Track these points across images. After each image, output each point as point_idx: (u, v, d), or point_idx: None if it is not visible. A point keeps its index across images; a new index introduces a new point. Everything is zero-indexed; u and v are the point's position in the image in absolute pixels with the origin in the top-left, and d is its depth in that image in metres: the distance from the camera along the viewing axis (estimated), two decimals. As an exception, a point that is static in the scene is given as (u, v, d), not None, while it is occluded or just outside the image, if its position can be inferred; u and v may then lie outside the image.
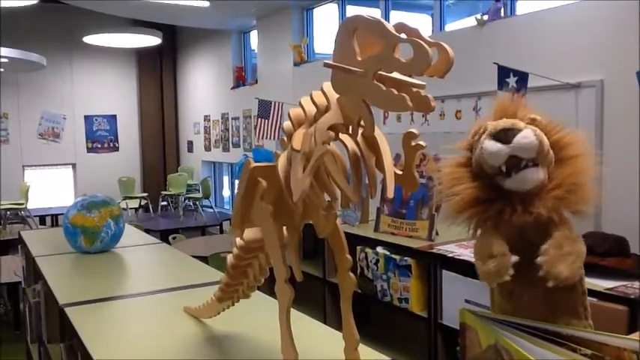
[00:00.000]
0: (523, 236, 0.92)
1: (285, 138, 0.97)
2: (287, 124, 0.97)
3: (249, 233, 1.15)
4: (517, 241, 0.92)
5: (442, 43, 0.76)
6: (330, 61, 0.83)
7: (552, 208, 0.88)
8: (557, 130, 0.94)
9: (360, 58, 0.79)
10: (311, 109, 0.94)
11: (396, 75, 0.78)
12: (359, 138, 0.90)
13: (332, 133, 0.86)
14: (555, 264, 0.84)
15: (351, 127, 0.88)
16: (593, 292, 2.21)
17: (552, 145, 0.93)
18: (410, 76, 0.78)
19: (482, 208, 0.93)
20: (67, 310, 1.62)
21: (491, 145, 0.91)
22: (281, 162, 0.95)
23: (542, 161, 0.90)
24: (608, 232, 2.72)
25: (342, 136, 0.90)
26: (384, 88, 0.77)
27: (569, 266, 0.85)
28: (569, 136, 0.94)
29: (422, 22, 6.67)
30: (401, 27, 0.77)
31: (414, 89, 0.77)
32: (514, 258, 0.87)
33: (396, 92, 0.76)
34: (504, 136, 0.90)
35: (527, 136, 0.89)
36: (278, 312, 1.02)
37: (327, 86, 0.90)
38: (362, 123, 0.87)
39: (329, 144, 0.86)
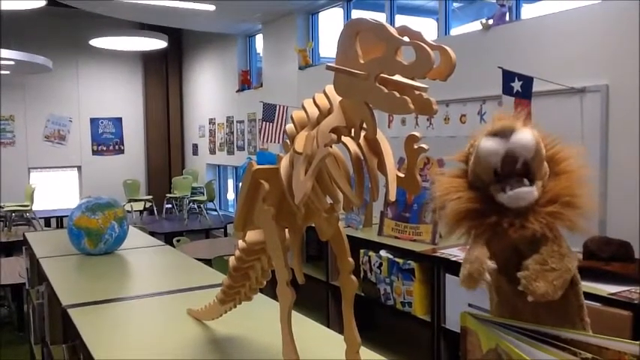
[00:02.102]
0: (517, 250, 0.91)
1: (288, 140, 0.97)
2: (290, 126, 0.97)
3: (252, 235, 1.15)
4: (511, 255, 0.91)
5: (444, 46, 0.76)
6: (333, 64, 0.83)
7: (546, 224, 0.87)
8: (552, 145, 0.94)
9: (362, 61, 0.79)
10: (313, 112, 0.94)
11: (398, 78, 0.78)
12: (361, 140, 0.90)
13: (334, 136, 0.86)
14: (534, 280, 0.84)
15: (353, 130, 0.88)
16: (596, 297, 2.20)
17: (548, 159, 0.92)
18: (412, 79, 0.78)
19: (477, 221, 0.92)
20: (70, 311, 1.62)
21: (487, 142, 0.90)
22: (283, 164, 0.95)
23: (537, 170, 0.89)
24: (612, 236, 2.70)
25: (344, 138, 0.90)
26: (386, 91, 0.77)
27: (549, 283, 0.84)
28: (564, 151, 0.93)
29: (427, 27, 6.67)
30: (403, 30, 0.77)
31: (417, 92, 0.77)
32: (490, 265, 0.87)
33: (398, 95, 0.75)
34: (502, 132, 0.90)
35: (525, 135, 0.89)
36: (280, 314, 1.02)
37: (330, 89, 0.91)
38: (364, 125, 0.87)
39: (331, 146, 0.86)
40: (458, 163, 0.98)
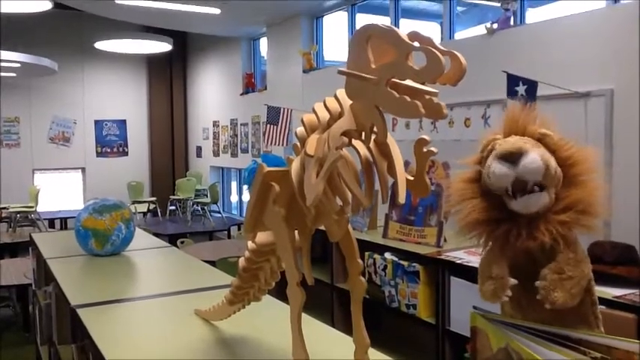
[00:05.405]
0: (530, 255, 0.92)
1: (298, 143, 0.98)
2: (300, 129, 0.98)
3: (261, 237, 1.17)
4: (524, 260, 0.92)
5: (455, 52, 0.77)
6: (344, 68, 0.84)
7: (558, 233, 0.88)
8: (567, 147, 0.94)
9: (373, 66, 0.81)
10: (324, 115, 0.95)
11: (409, 82, 0.79)
12: (371, 144, 0.91)
13: (345, 139, 0.87)
14: (553, 289, 0.85)
15: (363, 133, 0.89)
16: (601, 300, 2.19)
17: (562, 162, 0.93)
18: (423, 83, 0.79)
19: (490, 228, 0.93)
20: (79, 311, 1.63)
21: (497, 168, 0.91)
22: (294, 167, 0.96)
23: (548, 183, 0.90)
24: (617, 240, 2.71)
25: (354, 142, 0.91)
26: (397, 95, 0.78)
27: (568, 291, 0.85)
28: (578, 153, 0.94)
29: (431, 31, 6.68)
30: (414, 35, 0.78)
31: (427, 96, 0.78)
32: (512, 281, 0.88)
33: (408, 99, 0.77)
34: (511, 158, 0.91)
35: (533, 160, 0.90)
36: (288, 315, 1.03)
37: (341, 92, 0.92)
38: (374, 129, 0.88)
39: (342, 150, 0.87)
40: (471, 166, 0.99)
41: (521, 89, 4.01)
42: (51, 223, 9.63)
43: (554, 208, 0.90)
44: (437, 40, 0.78)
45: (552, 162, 0.91)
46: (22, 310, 5.70)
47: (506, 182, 0.90)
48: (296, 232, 1.04)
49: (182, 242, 6.50)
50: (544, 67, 4.51)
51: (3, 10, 7.21)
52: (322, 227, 1.02)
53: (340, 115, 0.92)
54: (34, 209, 9.20)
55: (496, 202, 0.93)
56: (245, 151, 9.93)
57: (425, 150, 0.89)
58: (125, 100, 12.17)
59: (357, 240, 1.03)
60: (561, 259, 0.88)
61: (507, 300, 0.96)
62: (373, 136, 0.90)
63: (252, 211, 1.06)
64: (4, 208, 9.10)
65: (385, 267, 3.35)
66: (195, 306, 1.57)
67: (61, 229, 9.33)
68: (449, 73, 0.77)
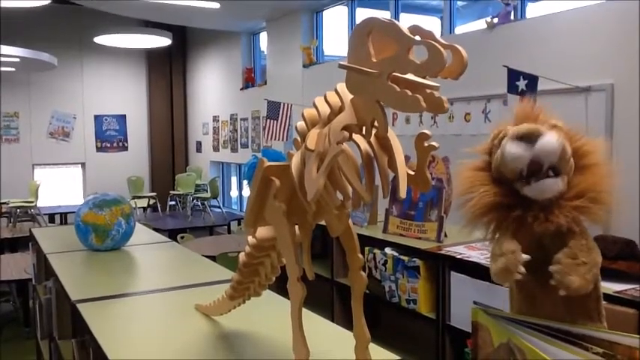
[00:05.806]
0: (541, 244, 0.92)
1: (299, 138, 0.98)
2: (301, 124, 0.98)
3: (262, 232, 1.16)
4: (535, 248, 0.92)
5: (456, 46, 0.77)
6: (345, 63, 0.84)
7: (572, 218, 0.88)
8: (577, 138, 0.94)
9: (374, 60, 0.80)
10: (325, 110, 0.95)
11: (410, 76, 0.79)
12: (372, 138, 0.91)
13: (346, 134, 0.86)
14: (567, 274, 0.84)
15: (364, 128, 0.89)
16: (602, 296, 2.21)
17: (573, 152, 0.92)
18: (424, 77, 0.79)
19: (502, 214, 0.92)
20: (79, 306, 1.64)
21: (513, 147, 0.90)
22: (295, 161, 0.96)
23: (562, 168, 0.90)
24: (615, 234, 2.71)
25: (355, 136, 0.91)
26: (398, 89, 0.77)
27: (582, 276, 0.85)
28: (589, 144, 0.94)
29: (431, 25, 6.66)
30: (415, 29, 0.78)
31: (428, 90, 0.78)
32: (524, 257, 0.87)
33: (410, 93, 0.76)
34: (527, 138, 0.90)
35: (550, 140, 0.89)
36: (288, 310, 1.03)
37: (341, 87, 0.91)
38: (375, 124, 0.88)
39: (343, 144, 0.86)
40: (480, 155, 0.98)
41: (521, 84, 4.00)
42: (51, 218, 9.63)
43: (567, 195, 0.89)
44: (437, 34, 0.77)
45: (567, 146, 0.91)
46: (23, 305, 5.70)
47: (522, 163, 0.90)
48: (296, 227, 1.04)
49: (182, 237, 6.50)
50: (544, 61, 4.50)
51: (2, 5, 7.19)
52: (323, 222, 1.02)
53: (341, 109, 0.92)
54: (33, 204, 9.20)
55: (507, 189, 0.92)
56: (245, 146, 9.92)
57: (426, 145, 0.89)
58: (125, 95, 12.15)
59: (358, 235, 1.03)
60: (574, 245, 0.87)
61: (519, 283, 0.94)
62: (374, 131, 0.90)
63: (252, 206, 1.06)
64: (4, 203, 9.10)
65: (385, 262, 3.35)
66: (196, 301, 1.57)
67: (61, 224, 9.34)
68: (450, 66, 0.77)
